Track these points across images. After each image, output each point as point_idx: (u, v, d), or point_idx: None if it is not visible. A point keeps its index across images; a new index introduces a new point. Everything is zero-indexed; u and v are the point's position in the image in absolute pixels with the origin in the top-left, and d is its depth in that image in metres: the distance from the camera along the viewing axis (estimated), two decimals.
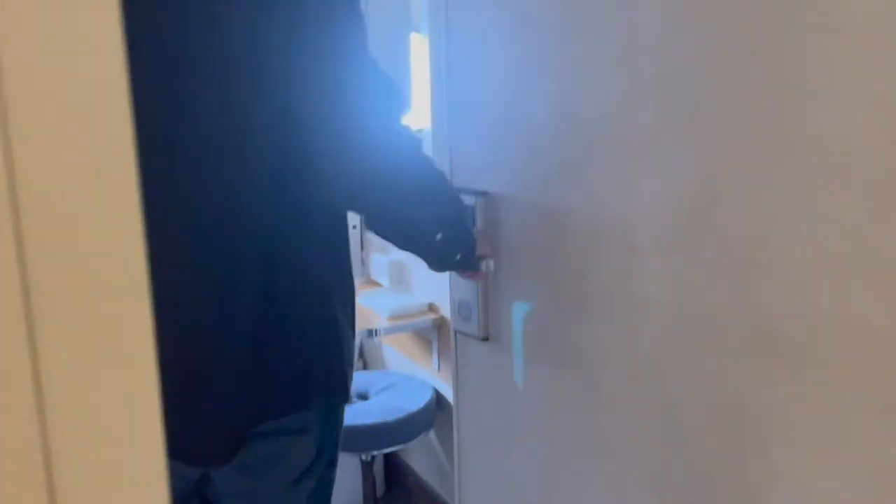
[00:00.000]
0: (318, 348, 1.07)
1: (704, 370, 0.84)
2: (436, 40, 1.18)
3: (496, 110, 1.11)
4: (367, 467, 2.18)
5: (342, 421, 1.18)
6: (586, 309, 1.00)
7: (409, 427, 2.05)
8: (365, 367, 2.72)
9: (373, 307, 2.12)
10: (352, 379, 1.15)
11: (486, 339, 1.20)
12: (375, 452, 2.08)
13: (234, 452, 1.02)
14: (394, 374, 2.31)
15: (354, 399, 2.16)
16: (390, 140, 0.99)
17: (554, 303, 1.05)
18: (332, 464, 1.16)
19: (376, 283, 2.42)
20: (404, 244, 1.10)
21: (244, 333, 0.99)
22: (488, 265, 1.13)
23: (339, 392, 1.12)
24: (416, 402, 2.09)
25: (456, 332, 1.27)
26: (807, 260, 0.72)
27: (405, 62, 2.40)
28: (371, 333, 2.03)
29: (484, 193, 1.14)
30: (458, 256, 1.09)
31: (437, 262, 1.10)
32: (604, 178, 0.93)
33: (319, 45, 0.93)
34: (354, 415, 2.04)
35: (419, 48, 2.38)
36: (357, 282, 1.20)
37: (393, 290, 2.26)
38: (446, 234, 1.05)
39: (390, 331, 2.09)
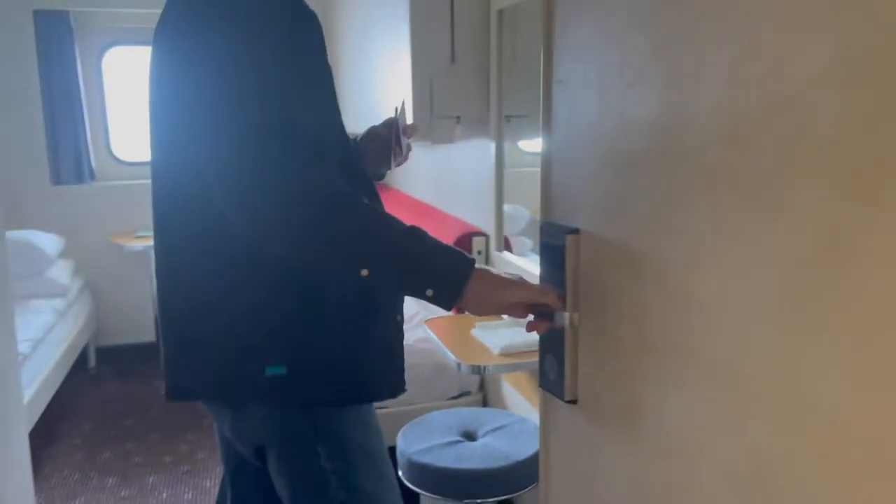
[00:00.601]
0: (245, 353, 1.15)
1: (820, 479, 0.62)
2: (545, 57, 1.02)
3: (591, 134, 0.93)
4: None
5: (318, 425, 1.21)
6: (684, 386, 0.79)
7: (516, 476, 1.87)
8: (484, 403, 2.57)
9: (485, 341, 1.97)
10: (334, 391, 1.19)
11: (573, 402, 1.02)
12: (479, 501, 1.92)
13: (186, 394, 1.23)
14: (507, 416, 2.13)
15: (461, 438, 2.01)
16: (262, 182, 1.01)
17: (648, 371, 0.85)
18: (296, 457, 1.21)
19: (497, 315, 2.27)
20: (335, 276, 1.15)
21: (190, 318, 1.19)
22: (572, 318, 0.95)
23: (294, 395, 1.17)
24: (526, 449, 1.90)
25: (542, 389, 1.09)
26: None
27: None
28: (478, 370, 1.88)
29: (575, 231, 0.96)
30: (430, 292, 1.03)
31: (408, 294, 1.10)
32: (711, 223, 0.73)
33: (181, 101, 1.09)
34: (456, 457, 1.89)
35: None
36: None
37: (511, 324, 2.10)
38: (376, 270, 1.03)
39: (500, 369, 1.93)
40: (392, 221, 1.06)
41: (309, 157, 1.02)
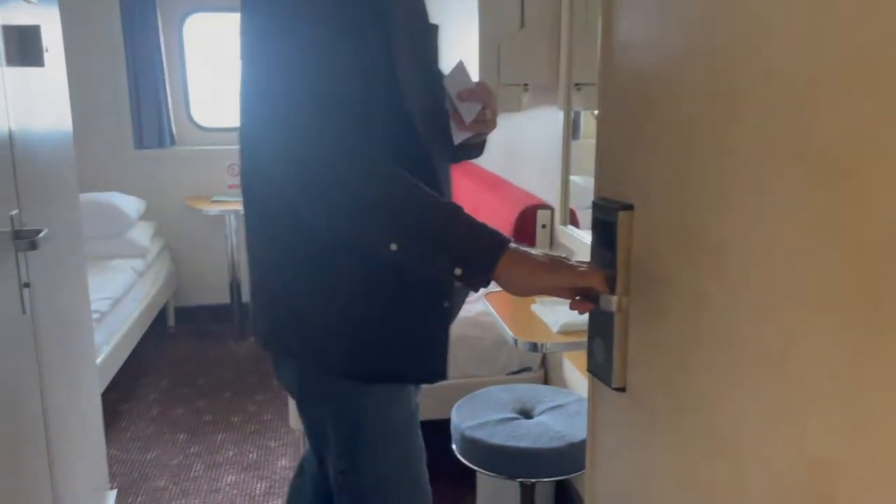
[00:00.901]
0: (284, 309, 1.21)
1: (886, 498, 0.54)
2: (605, 18, 0.95)
3: (648, 102, 0.85)
4: (527, 492, 1.98)
5: (330, 392, 1.22)
6: (738, 381, 0.72)
7: (570, 458, 1.82)
8: (545, 380, 2.52)
9: (544, 318, 1.91)
10: (368, 363, 1.19)
11: (621, 389, 0.96)
12: (533, 480, 1.88)
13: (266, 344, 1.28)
14: (566, 395, 2.07)
15: (516, 415, 1.97)
16: (303, 148, 1.04)
17: (700, 362, 0.78)
18: (309, 415, 1.28)
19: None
20: (370, 252, 1.09)
21: (253, 270, 1.27)
22: (621, 302, 0.89)
23: (314, 359, 1.20)
24: (583, 430, 1.84)
25: (590, 374, 1.03)
26: None
27: None
28: (535, 347, 1.82)
29: (628, 207, 0.89)
30: (459, 271, 1.00)
31: (439, 273, 1.05)
32: (775, 202, 0.65)
33: (247, 65, 1.13)
34: (509, 435, 1.85)
35: None
36: None
37: None
38: (404, 244, 1.01)
39: (558, 347, 1.87)
40: (426, 197, 1.04)
41: (351, 128, 1.03)
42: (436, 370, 1.23)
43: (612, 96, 0.94)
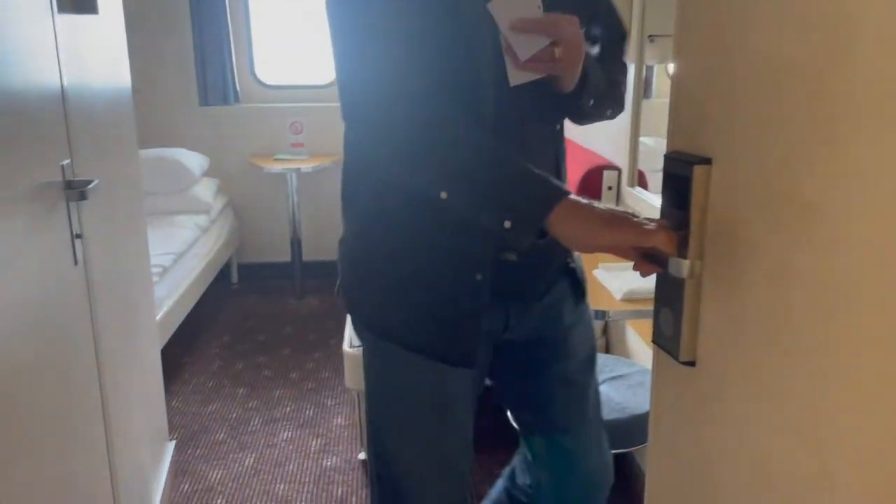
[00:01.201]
0: (345, 260, 1.26)
1: None
2: None
3: (730, 36, 0.75)
4: None
5: (366, 344, 1.26)
6: (830, 359, 0.63)
7: (632, 430, 1.73)
8: (606, 349, 2.42)
9: (607, 284, 1.82)
10: (387, 323, 1.19)
11: (690, 363, 0.87)
12: None
13: None
14: (628, 365, 1.98)
15: None
16: (372, 90, 1.03)
17: (784, 336, 0.69)
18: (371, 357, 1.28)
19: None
20: (427, 201, 1.05)
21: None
22: (693, 266, 0.80)
23: (352, 307, 1.25)
24: (645, 403, 1.76)
25: (656, 345, 0.95)
26: None
27: None
28: (597, 315, 1.73)
29: (705, 160, 0.80)
30: (508, 223, 0.93)
31: (488, 226, 0.97)
32: (879, 156, 0.55)
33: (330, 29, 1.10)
34: None
35: None
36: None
37: None
38: (454, 192, 0.97)
39: (621, 315, 1.77)
40: (476, 142, 1.00)
41: (414, 74, 1.03)
42: (458, 352, 1.15)
43: (691, 31, 0.84)
